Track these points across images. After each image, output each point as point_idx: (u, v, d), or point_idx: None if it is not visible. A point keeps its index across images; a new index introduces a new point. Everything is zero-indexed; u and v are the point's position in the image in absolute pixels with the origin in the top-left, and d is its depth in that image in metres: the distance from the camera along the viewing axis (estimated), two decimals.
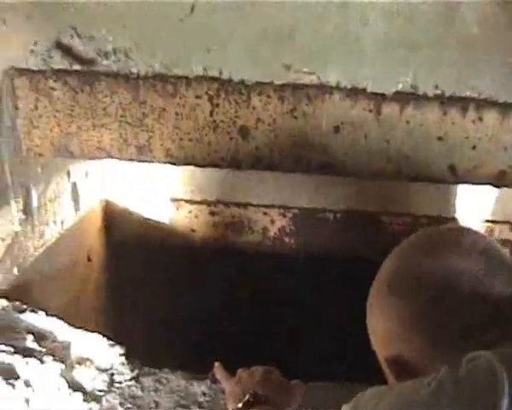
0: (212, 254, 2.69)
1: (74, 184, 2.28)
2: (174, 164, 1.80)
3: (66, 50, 1.68)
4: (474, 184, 1.80)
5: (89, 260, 2.48)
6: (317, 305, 2.63)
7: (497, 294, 1.02)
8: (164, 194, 2.70)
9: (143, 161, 1.80)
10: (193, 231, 2.74)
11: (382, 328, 1.10)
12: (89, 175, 2.45)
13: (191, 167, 2.26)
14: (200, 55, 1.67)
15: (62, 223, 2.17)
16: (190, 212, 2.71)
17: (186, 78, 1.69)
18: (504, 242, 2.74)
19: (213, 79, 1.69)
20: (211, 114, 1.72)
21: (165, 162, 1.79)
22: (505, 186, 1.79)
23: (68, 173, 2.22)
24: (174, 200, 2.71)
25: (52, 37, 1.67)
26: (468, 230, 1.14)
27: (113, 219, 2.71)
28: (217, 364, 1.57)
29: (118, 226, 2.73)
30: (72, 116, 1.74)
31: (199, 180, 2.64)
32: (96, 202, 2.59)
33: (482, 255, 1.05)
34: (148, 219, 2.74)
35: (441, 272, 1.04)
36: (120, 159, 1.80)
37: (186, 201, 2.69)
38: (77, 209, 2.32)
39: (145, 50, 1.67)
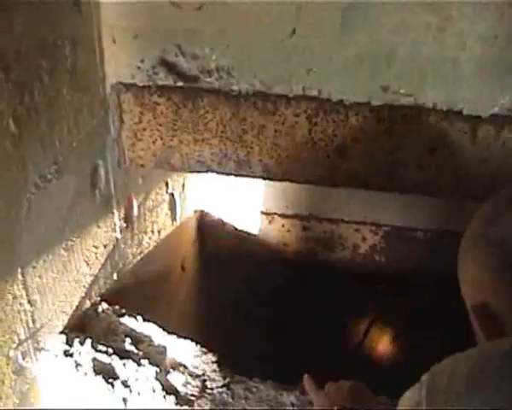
0: (303, 269, 2.72)
1: (172, 195, 2.34)
2: (272, 179, 1.84)
3: (171, 68, 1.74)
4: None
5: (183, 269, 2.54)
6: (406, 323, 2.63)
7: None
8: (257, 208, 2.74)
9: (242, 176, 1.84)
10: (285, 245, 2.77)
11: (472, 275, 1.11)
12: (186, 187, 2.51)
13: (284, 182, 2.31)
14: (299, 76, 1.70)
15: (159, 232, 2.24)
16: (283, 226, 2.74)
17: (286, 96, 1.73)
18: None
19: (312, 98, 1.72)
20: (309, 132, 1.75)
21: (263, 177, 1.84)
22: None
23: (167, 184, 2.28)
24: (267, 214, 2.74)
25: (157, 55, 1.73)
26: None
27: (207, 231, 2.77)
28: (306, 376, 1.60)
29: (211, 238, 2.79)
30: (174, 130, 1.80)
31: (292, 195, 2.67)
32: (192, 214, 2.66)
33: None
34: (242, 232, 2.78)
35: None
36: (220, 173, 1.85)
37: (279, 215, 2.73)
38: (173, 219, 2.39)
39: (246, 69, 1.71)
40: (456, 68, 1.64)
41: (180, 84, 1.76)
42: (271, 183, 2.59)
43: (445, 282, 2.66)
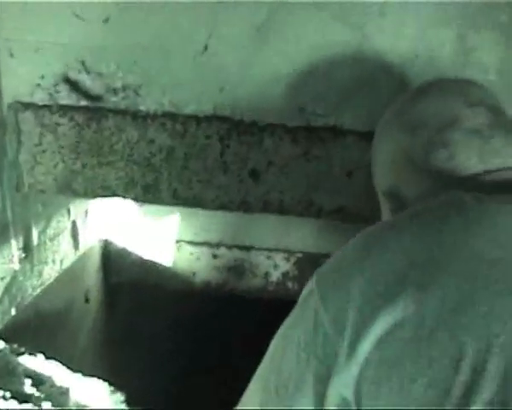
0: (212, 299, 2.62)
1: (74, 223, 2.22)
2: (181, 205, 1.74)
3: (74, 85, 1.63)
4: None
5: (86, 300, 2.41)
6: None
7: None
8: (165, 235, 2.63)
9: (150, 202, 1.74)
10: (194, 274, 2.68)
11: (386, 158, 1.26)
12: (89, 214, 2.39)
13: (193, 209, 2.22)
14: (211, 95, 1.62)
15: (61, 262, 2.10)
16: (191, 254, 2.64)
17: (196, 117, 1.64)
18: None
19: (224, 118, 1.64)
20: (221, 154, 1.67)
21: (172, 204, 1.74)
22: None
23: (68, 211, 2.16)
24: (175, 241, 2.64)
25: (60, 71, 1.62)
26: (481, 86, 1.28)
27: (112, 260, 2.64)
28: None
29: (116, 267, 2.66)
30: (77, 153, 1.69)
31: (201, 221, 2.58)
32: (95, 242, 2.53)
33: (488, 111, 1.18)
34: (148, 261, 2.67)
35: (446, 114, 1.18)
36: (126, 198, 1.74)
37: (187, 242, 2.63)
38: (76, 248, 2.26)
39: (155, 88, 1.63)
40: (374, 89, 1.59)
41: (84, 103, 1.65)
42: (179, 208, 2.50)
43: None
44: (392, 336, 0.85)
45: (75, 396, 1.63)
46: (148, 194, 1.72)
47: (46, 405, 1.53)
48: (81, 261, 2.33)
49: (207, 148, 1.67)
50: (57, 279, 2.08)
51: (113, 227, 2.62)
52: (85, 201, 2.31)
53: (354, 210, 1.71)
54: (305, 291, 1.02)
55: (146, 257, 2.66)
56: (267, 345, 1.09)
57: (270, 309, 2.59)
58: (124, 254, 2.65)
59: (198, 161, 1.68)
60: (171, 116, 1.65)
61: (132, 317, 2.65)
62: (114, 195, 1.74)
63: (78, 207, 2.26)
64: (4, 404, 1.49)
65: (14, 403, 1.49)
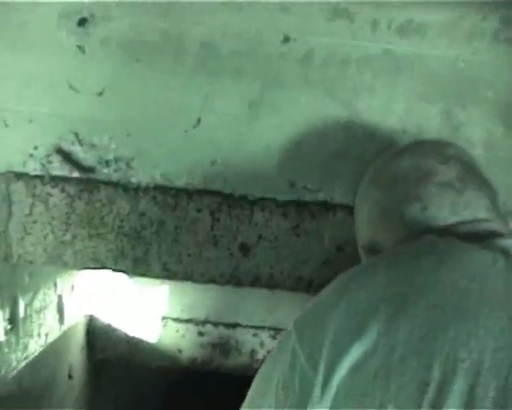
0: (198, 377, 2.59)
1: (60, 297, 2.20)
2: (171, 279, 1.73)
3: (67, 156, 1.64)
4: None
5: (70, 377, 2.37)
6: None
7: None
8: (150, 312, 2.61)
9: (139, 275, 1.73)
10: (180, 351, 2.64)
11: (365, 215, 1.33)
12: (75, 288, 2.37)
13: (180, 285, 2.21)
14: (202, 168, 1.64)
15: (47, 336, 2.08)
16: (177, 331, 2.62)
17: (187, 190, 1.65)
18: None
19: (215, 192, 1.65)
20: (211, 228, 1.67)
21: (162, 277, 1.73)
22: None
23: (55, 285, 2.14)
24: (161, 318, 2.62)
25: (53, 142, 1.63)
26: (456, 144, 1.34)
27: (96, 336, 2.61)
28: None
29: (100, 344, 2.63)
30: (67, 224, 1.68)
31: (187, 298, 2.56)
32: (81, 318, 2.50)
33: (462, 166, 1.24)
34: (133, 338, 2.64)
35: (421, 170, 1.23)
36: (115, 271, 1.73)
37: (173, 319, 2.61)
38: (61, 323, 2.23)
39: (147, 161, 1.64)
40: (363, 163, 1.61)
41: (76, 174, 1.65)
42: (165, 285, 2.49)
43: None
44: (364, 366, 0.88)
45: None
46: (137, 267, 1.71)
47: None
48: (66, 337, 2.30)
49: (198, 221, 1.67)
50: (41, 354, 2.04)
51: (99, 303, 2.60)
52: (72, 275, 2.30)
53: None
54: (283, 334, 1.07)
55: (131, 334, 2.63)
56: None
57: None
58: (109, 331, 2.62)
59: (188, 234, 1.68)
60: (163, 189, 1.65)
61: (116, 394, 2.59)
62: (104, 267, 1.72)
63: (65, 281, 2.24)
64: None
65: None
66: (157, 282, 2.47)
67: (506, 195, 1.58)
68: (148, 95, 1.58)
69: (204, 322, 2.62)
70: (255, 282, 1.71)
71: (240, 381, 2.57)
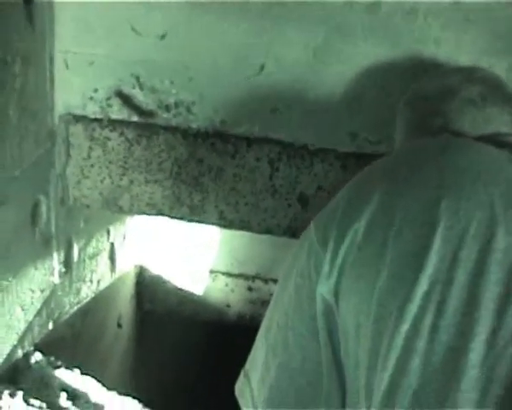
0: (245, 333, 2.58)
1: (112, 245, 2.20)
2: (227, 227, 1.72)
3: (127, 100, 1.62)
4: None
5: (119, 326, 2.38)
6: None
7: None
8: (200, 264, 2.60)
9: (195, 221, 1.72)
10: (228, 306, 2.64)
11: (399, 130, 1.35)
12: (126, 238, 2.37)
13: (231, 238, 2.19)
14: (263, 116, 1.61)
15: (99, 282, 2.08)
16: (226, 285, 2.61)
17: (247, 138, 1.63)
18: None
19: (275, 141, 1.63)
20: (270, 177, 1.65)
21: (218, 225, 1.71)
22: None
23: (108, 232, 2.14)
24: (210, 271, 2.61)
25: (113, 85, 1.61)
26: (483, 68, 1.38)
27: (146, 287, 2.62)
28: None
29: (150, 295, 2.63)
30: (125, 168, 1.67)
31: (238, 252, 2.55)
32: (131, 267, 2.51)
33: (487, 85, 1.24)
34: (181, 290, 2.64)
35: (445, 87, 1.26)
36: (171, 218, 1.72)
37: (223, 273, 2.60)
38: (113, 271, 2.24)
39: (208, 106, 1.61)
40: None
41: (135, 119, 1.64)
42: (215, 238, 2.48)
43: None
44: (365, 237, 0.93)
45: None
46: (194, 214, 1.70)
47: None
48: (116, 286, 2.31)
49: (257, 170, 1.64)
50: (93, 300, 2.05)
51: (150, 253, 2.60)
52: (124, 224, 2.30)
53: None
54: (303, 232, 1.12)
55: (180, 286, 2.63)
56: None
57: None
58: (158, 282, 2.62)
59: (246, 183, 1.66)
60: (222, 136, 1.63)
61: (164, 346, 2.60)
62: (160, 213, 1.72)
63: (118, 230, 2.24)
64: None
65: None
66: (208, 235, 2.45)
67: None
68: (211, 39, 1.55)
69: (254, 277, 2.60)
70: None
71: None
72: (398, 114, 1.38)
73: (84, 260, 1.94)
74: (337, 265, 0.96)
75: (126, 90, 1.62)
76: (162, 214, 1.72)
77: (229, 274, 2.61)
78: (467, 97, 1.21)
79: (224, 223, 1.71)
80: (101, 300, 2.14)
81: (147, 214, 1.74)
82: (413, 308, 0.84)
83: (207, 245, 2.56)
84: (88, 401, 1.60)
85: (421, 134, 1.24)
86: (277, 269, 2.58)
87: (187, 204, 1.69)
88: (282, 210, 1.68)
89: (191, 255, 2.59)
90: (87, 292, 2.00)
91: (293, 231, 1.69)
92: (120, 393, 1.70)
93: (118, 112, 1.64)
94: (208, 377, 2.53)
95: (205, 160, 1.65)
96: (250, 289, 2.61)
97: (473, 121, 1.18)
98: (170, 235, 2.55)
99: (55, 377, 1.61)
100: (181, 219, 1.72)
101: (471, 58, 1.54)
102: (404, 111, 1.34)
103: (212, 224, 1.72)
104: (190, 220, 1.72)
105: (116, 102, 1.63)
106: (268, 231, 1.70)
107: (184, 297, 2.64)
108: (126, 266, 2.44)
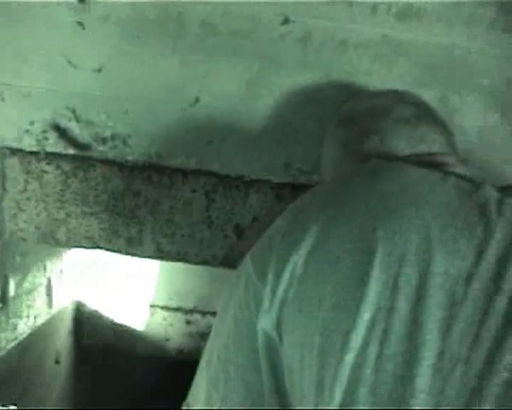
0: (185, 366, 2.58)
1: (49, 280, 2.18)
2: (163, 259, 1.73)
3: (63, 133, 1.63)
4: None
5: (57, 362, 2.36)
6: None
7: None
8: (138, 299, 2.60)
9: (132, 255, 1.72)
10: (167, 340, 2.63)
11: (329, 154, 1.37)
12: (63, 273, 2.36)
13: (169, 272, 2.20)
14: (199, 148, 1.64)
15: (35, 318, 2.06)
16: (165, 319, 2.61)
17: (183, 170, 1.65)
18: None
19: (211, 173, 1.65)
20: (206, 209, 1.67)
21: (155, 257, 1.72)
22: None
23: (45, 267, 2.13)
24: (149, 306, 2.60)
25: (49, 117, 1.62)
26: (412, 92, 1.40)
27: (84, 322, 2.60)
28: None
29: (88, 330, 2.61)
30: (61, 202, 1.68)
31: (176, 285, 2.55)
32: (68, 303, 2.49)
33: (418, 107, 1.30)
34: (120, 325, 2.62)
35: (379, 107, 1.30)
36: (108, 250, 1.72)
37: (161, 307, 2.60)
38: (50, 306, 2.22)
39: (144, 139, 1.63)
40: None
41: (71, 151, 1.65)
42: (153, 272, 2.48)
43: None
44: (304, 270, 0.93)
45: None
46: (131, 246, 1.71)
47: None
48: (54, 321, 2.29)
49: (193, 202, 1.67)
50: (30, 336, 2.03)
51: (87, 289, 2.58)
52: (61, 259, 2.29)
53: None
54: (239, 265, 1.12)
55: (118, 321, 2.62)
56: None
57: None
58: (96, 317, 2.61)
59: (183, 214, 1.68)
60: (158, 168, 1.65)
61: (102, 382, 2.58)
62: (97, 246, 1.72)
63: (54, 265, 2.23)
64: None
65: None
66: (145, 270, 2.46)
67: (501, 182, 1.60)
68: (146, 72, 1.58)
69: (192, 311, 2.61)
70: None
71: None
72: (327, 137, 1.41)
73: (21, 296, 1.92)
74: (277, 298, 0.95)
75: (62, 122, 1.63)
76: (99, 247, 1.72)
77: (167, 308, 2.61)
78: (401, 116, 1.25)
79: (161, 255, 1.72)
80: (39, 336, 2.12)
81: (84, 247, 1.74)
82: (357, 338, 0.84)
83: (145, 279, 2.56)
84: None
85: (354, 155, 1.26)
86: (215, 302, 2.60)
87: (124, 237, 1.70)
88: (218, 241, 1.70)
89: (129, 290, 2.59)
90: (24, 328, 1.98)
91: (230, 262, 1.71)
92: None
93: (54, 145, 1.65)
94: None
95: (141, 192, 1.67)
96: (188, 322, 2.61)
97: (408, 139, 1.21)
98: (107, 269, 2.54)
99: None
100: (118, 252, 1.73)
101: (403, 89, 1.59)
102: (336, 133, 1.36)
103: (149, 256, 1.73)
104: (127, 253, 1.73)
105: (52, 135, 1.64)
106: (204, 262, 1.72)
107: (122, 332, 2.63)
108: (64, 302, 2.42)
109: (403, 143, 1.21)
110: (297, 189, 1.66)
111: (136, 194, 1.67)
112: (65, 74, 1.58)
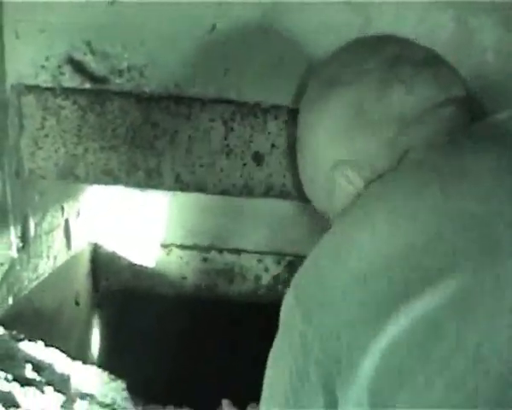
0: (202, 304, 2.59)
1: (67, 221, 2.19)
2: (183, 190, 1.73)
3: (78, 67, 1.63)
4: None
5: (76, 303, 2.38)
6: None
7: None
8: (154, 239, 2.61)
9: (152, 187, 1.72)
10: (183, 278, 2.65)
11: (326, 128, 1.13)
12: (81, 214, 2.36)
13: (183, 211, 2.20)
14: (216, 76, 1.63)
15: (55, 258, 2.07)
16: (181, 258, 2.62)
17: (201, 100, 1.64)
18: None
19: (229, 101, 1.65)
20: (225, 137, 1.67)
21: (174, 189, 1.72)
22: None
23: (62, 209, 2.13)
24: (165, 245, 2.61)
25: (64, 52, 1.61)
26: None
27: (102, 264, 2.61)
28: (225, 401, 1.50)
29: (106, 272, 2.62)
30: (79, 137, 1.67)
31: (191, 223, 2.56)
32: (86, 245, 2.50)
33: (416, 46, 1.14)
34: (137, 265, 2.63)
35: (388, 53, 1.10)
36: (127, 185, 1.72)
37: (177, 246, 2.60)
38: (68, 247, 2.23)
39: (160, 69, 1.62)
40: None
41: (87, 85, 1.64)
42: (169, 211, 2.49)
43: None
44: (398, 344, 0.76)
45: (76, 383, 1.61)
46: (150, 179, 1.71)
47: (48, 389, 1.51)
48: (72, 263, 2.30)
49: (211, 131, 1.66)
50: (50, 276, 2.04)
51: (104, 230, 2.59)
52: (78, 200, 2.29)
53: None
54: (285, 308, 0.95)
55: (135, 261, 2.63)
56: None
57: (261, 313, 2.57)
58: (113, 259, 2.62)
59: (202, 144, 1.67)
60: (176, 98, 1.64)
61: (121, 323, 2.60)
62: (116, 181, 1.72)
63: (71, 207, 2.23)
64: (7, 386, 1.46)
65: (16, 386, 1.46)
66: (160, 209, 2.46)
67: None
68: (160, 1, 1.56)
69: (208, 248, 2.61)
70: (268, 192, 1.71)
71: (245, 308, 2.60)
72: (313, 109, 1.20)
73: (41, 236, 1.93)
74: (365, 376, 0.77)
75: (78, 56, 1.62)
76: (118, 182, 1.72)
77: (183, 247, 2.61)
78: (418, 59, 1.10)
79: (181, 186, 1.72)
80: (59, 276, 2.13)
81: (103, 183, 1.74)
82: None
83: (161, 219, 2.56)
84: (53, 372, 1.60)
85: (370, 124, 1.08)
86: (231, 239, 2.60)
87: (143, 169, 1.70)
88: (238, 170, 1.70)
89: (145, 230, 2.59)
90: (44, 268, 1.99)
91: (250, 191, 1.72)
92: (85, 362, 1.70)
93: (70, 80, 1.64)
94: (168, 348, 2.53)
95: (159, 123, 1.66)
96: (205, 260, 2.62)
97: (438, 83, 1.06)
98: (123, 211, 2.54)
99: (20, 350, 1.61)
100: (137, 185, 1.73)
101: (420, 12, 1.58)
102: (348, 91, 1.12)
103: (169, 188, 1.73)
104: (147, 186, 1.73)
105: (68, 70, 1.63)
106: (224, 192, 1.72)
107: (139, 272, 2.64)
108: (82, 243, 2.43)
109: (434, 89, 1.06)
110: None
111: (155, 125, 1.66)
112: (79, 8, 1.57)
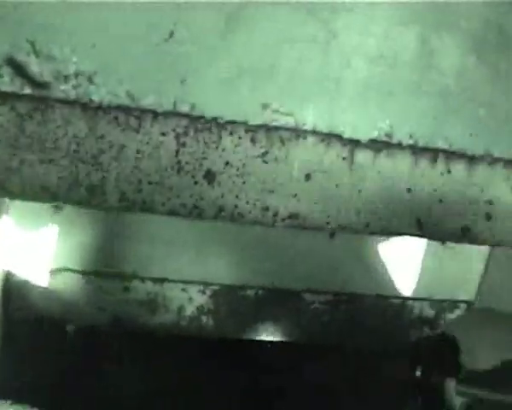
0: (121, 335, 2.45)
1: None
2: (128, 210, 1.60)
3: (19, 69, 1.48)
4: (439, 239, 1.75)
5: None
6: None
7: None
8: (69, 265, 2.44)
9: (93, 206, 1.58)
10: (101, 309, 2.49)
11: None
12: None
13: (103, 237, 2.09)
14: (172, 87, 1.52)
15: None
16: (101, 287, 2.46)
17: (153, 111, 1.53)
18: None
19: (183, 114, 1.54)
20: (176, 153, 1.56)
21: (119, 208, 1.59)
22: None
23: None
24: (82, 273, 2.45)
25: (5, 51, 1.46)
26: None
27: (12, 294, 2.43)
28: None
29: (17, 301, 2.44)
30: (15, 148, 1.52)
31: (110, 251, 2.42)
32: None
33: None
34: (51, 295, 2.46)
35: None
36: (68, 202, 1.58)
37: (96, 273, 2.45)
38: None
39: (112, 76, 1.50)
40: (338, 88, 1.56)
41: (28, 91, 1.49)
42: (83, 236, 2.35)
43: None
44: None
45: None
46: (93, 196, 1.57)
47: None
48: None
49: (162, 146, 1.55)
50: None
51: (16, 258, 2.41)
52: None
53: (310, 215, 1.65)
54: None
55: (49, 290, 2.45)
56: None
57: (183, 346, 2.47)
58: (25, 288, 2.44)
59: (150, 160, 1.56)
60: (126, 109, 1.52)
61: (33, 355, 2.42)
62: (55, 197, 1.57)
63: None
64: None
65: None
66: (77, 236, 2.32)
67: (474, 126, 1.59)
68: (115, 2, 1.45)
69: (130, 277, 2.48)
70: (219, 213, 1.61)
71: (166, 340, 2.48)
72: None
73: None
74: None
75: (19, 57, 1.47)
76: (57, 199, 1.58)
77: (103, 275, 2.47)
78: None
79: (126, 205, 1.59)
80: None
81: (40, 200, 1.59)
82: None
83: (78, 245, 2.41)
84: None
85: None
86: (153, 267, 2.48)
87: (85, 185, 1.56)
88: (188, 188, 1.59)
89: (58, 257, 2.43)
90: None
91: (200, 212, 1.61)
92: None
93: (9, 83, 1.49)
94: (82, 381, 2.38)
95: (106, 136, 1.54)
96: (126, 289, 2.48)
97: None
98: (35, 238, 2.38)
99: None
100: (78, 203, 1.59)
101: (385, 28, 1.55)
102: None
103: (113, 207, 1.60)
104: (88, 204, 1.59)
105: (7, 72, 1.48)
106: (173, 212, 1.61)
107: (54, 302, 2.47)
108: None
109: None
110: (272, 131, 1.57)
111: (100, 138, 1.53)
112: (25, 3, 1.43)
